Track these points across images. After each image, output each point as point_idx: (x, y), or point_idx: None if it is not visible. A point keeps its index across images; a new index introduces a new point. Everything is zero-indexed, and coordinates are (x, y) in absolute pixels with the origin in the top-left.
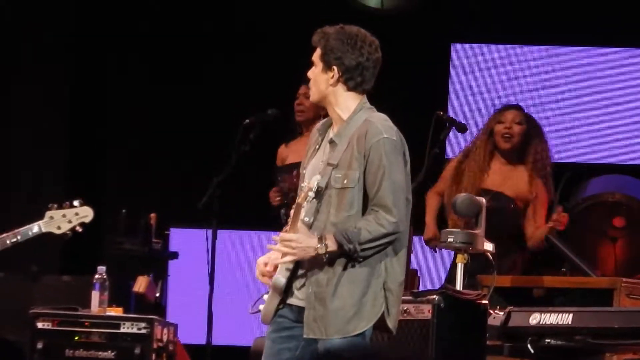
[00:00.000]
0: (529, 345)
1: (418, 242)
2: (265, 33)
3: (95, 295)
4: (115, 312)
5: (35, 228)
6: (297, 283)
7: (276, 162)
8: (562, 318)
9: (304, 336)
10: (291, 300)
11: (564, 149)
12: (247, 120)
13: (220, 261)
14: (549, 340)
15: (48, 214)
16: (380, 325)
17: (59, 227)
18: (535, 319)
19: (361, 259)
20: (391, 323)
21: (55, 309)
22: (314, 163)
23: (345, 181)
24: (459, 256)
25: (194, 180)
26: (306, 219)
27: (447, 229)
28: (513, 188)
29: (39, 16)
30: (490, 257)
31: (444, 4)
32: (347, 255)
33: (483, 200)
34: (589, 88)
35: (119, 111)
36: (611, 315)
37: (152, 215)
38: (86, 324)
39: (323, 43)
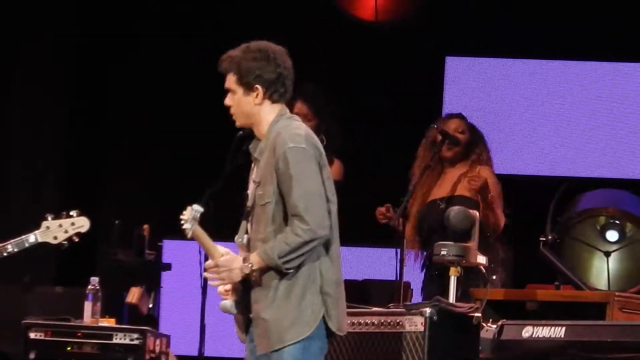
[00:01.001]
0: None
1: (411, 255)
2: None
3: (87, 306)
4: (108, 322)
5: (31, 238)
6: (249, 302)
7: None
8: (555, 331)
9: (257, 353)
10: (252, 316)
11: (559, 162)
12: (241, 132)
13: None
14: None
15: (44, 224)
16: (322, 328)
17: (55, 237)
18: (528, 332)
19: (289, 271)
20: (334, 325)
21: (48, 319)
22: (250, 183)
23: (265, 197)
24: (452, 269)
25: (187, 191)
26: (238, 240)
27: (441, 242)
28: (461, 188)
29: (39, 16)
30: (484, 270)
31: (439, 17)
32: (277, 270)
33: (477, 213)
34: (584, 102)
35: (113, 124)
36: (604, 328)
37: (146, 226)
38: (79, 334)
39: (236, 67)
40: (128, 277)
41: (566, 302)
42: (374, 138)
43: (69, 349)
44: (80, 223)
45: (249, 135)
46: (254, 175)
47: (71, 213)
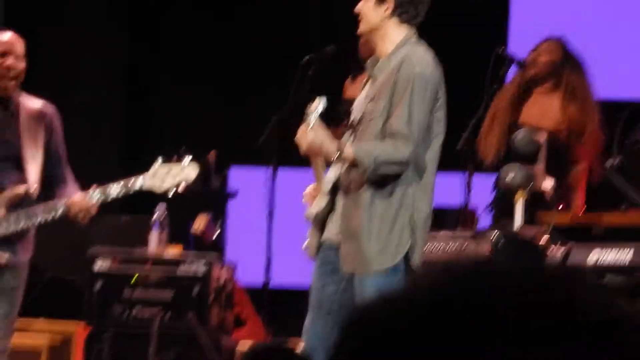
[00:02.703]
0: None
1: (476, 180)
2: None
3: (154, 234)
4: (175, 250)
5: (138, 183)
6: (333, 218)
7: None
8: (622, 254)
9: (342, 272)
10: (329, 237)
11: (625, 86)
12: (306, 58)
13: (280, 200)
14: (609, 277)
15: (153, 167)
16: (405, 260)
17: (162, 184)
18: (595, 254)
19: (369, 178)
20: (416, 259)
21: (114, 248)
22: (360, 98)
23: (374, 112)
24: (519, 192)
25: (254, 118)
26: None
27: (507, 165)
28: (552, 119)
29: None
30: (551, 194)
31: None
32: (370, 181)
33: (544, 136)
34: None
35: (174, 50)
36: None
37: (212, 152)
38: (145, 263)
39: None
40: (194, 205)
41: (633, 226)
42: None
43: (135, 277)
44: (188, 170)
45: (315, 60)
46: (366, 91)
47: (183, 158)
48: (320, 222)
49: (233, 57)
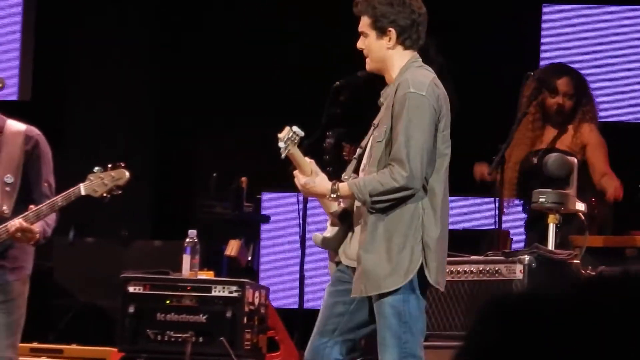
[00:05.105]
0: None
1: (510, 203)
2: None
3: (186, 259)
4: (207, 275)
5: (77, 191)
6: (347, 244)
7: None
8: None
9: (351, 295)
10: (344, 261)
11: None
12: (337, 83)
13: (312, 224)
14: None
15: (89, 176)
16: (421, 280)
17: (95, 190)
18: None
19: (373, 210)
20: (432, 277)
21: (147, 272)
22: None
23: (377, 138)
24: (551, 216)
25: None
26: (345, 177)
27: (539, 189)
28: (565, 143)
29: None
30: (583, 217)
31: None
32: (375, 209)
33: (575, 159)
34: None
35: (207, 77)
36: None
37: (243, 178)
38: (178, 287)
39: (370, 11)
40: (226, 230)
41: None
42: (471, 88)
43: (167, 302)
44: (118, 175)
45: (345, 85)
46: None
47: (118, 164)
48: (334, 246)
49: (264, 82)
